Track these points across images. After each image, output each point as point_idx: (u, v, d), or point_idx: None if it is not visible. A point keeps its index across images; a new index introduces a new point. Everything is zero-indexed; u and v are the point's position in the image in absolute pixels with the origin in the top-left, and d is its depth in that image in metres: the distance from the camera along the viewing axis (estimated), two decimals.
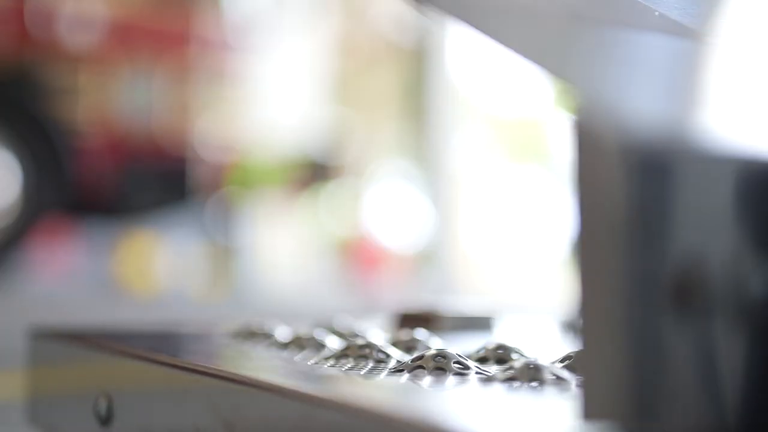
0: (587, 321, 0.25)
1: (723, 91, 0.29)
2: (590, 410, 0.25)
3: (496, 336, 0.56)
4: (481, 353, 0.41)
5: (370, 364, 0.40)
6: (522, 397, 0.33)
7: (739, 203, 0.26)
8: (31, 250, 3.03)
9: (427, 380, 0.37)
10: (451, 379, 0.37)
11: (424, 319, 0.57)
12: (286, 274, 3.91)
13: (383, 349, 0.41)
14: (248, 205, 3.69)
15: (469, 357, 0.40)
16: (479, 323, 0.59)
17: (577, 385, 0.34)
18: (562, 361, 0.38)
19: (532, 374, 0.35)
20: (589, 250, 0.24)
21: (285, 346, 0.47)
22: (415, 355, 0.39)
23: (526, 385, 0.35)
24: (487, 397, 0.34)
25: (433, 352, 0.38)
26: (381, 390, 0.36)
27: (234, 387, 0.36)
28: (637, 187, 0.24)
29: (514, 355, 0.41)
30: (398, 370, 0.38)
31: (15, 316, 1.68)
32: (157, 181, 3.12)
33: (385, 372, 0.38)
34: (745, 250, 0.26)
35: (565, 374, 0.35)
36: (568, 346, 0.48)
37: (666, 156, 0.25)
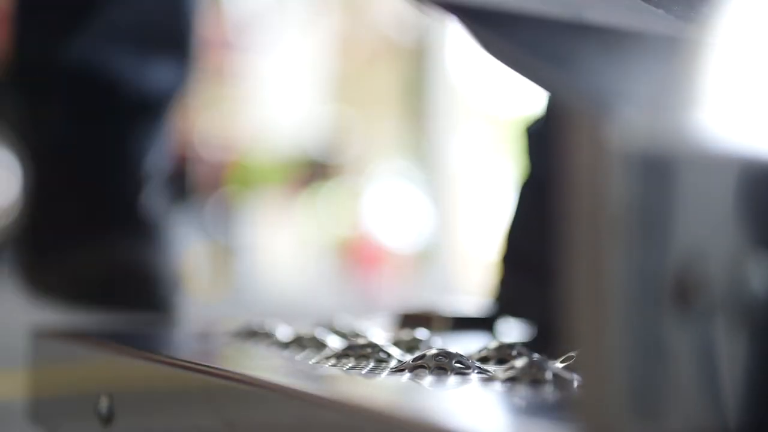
0: (587, 321, 0.25)
1: (723, 91, 0.29)
2: (590, 410, 0.25)
3: (497, 336, 0.56)
4: (483, 353, 0.41)
5: (372, 364, 0.40)
6: (522, 397, 0.33)
7: (739, 203, 0.26)
8: None
9: (428, 380, 0.37)
10: (452, 379, 0.37)
11: (425, 319, 0.57)
12: (286, 274, 3.90)
13: (384, 349, 0.41)
14: (248, 204, 3.69)
15: (470, 357, 0.41)
16: (479, 323, 0.59)
17: (578, 385, 0.34)
18: (562, 361, 0.38)
19: (533, 374, 0.35)
20: (589, 250, 0.24)
21: (286, 345, 0.47)
22: (417, 354, 0.39)
23: (526, 384, 0.35)
24: (487, 397, 0.34)
25: (434, 351, 0.38)
26: (382, 390, 0.36)
27: (235, 386, 0.36)
28: (638, 187, 0.24)
29: (515, 355, 0.41)
30: (399, 369, 0.38)
31: (16, 316, 1.68)
32: None
33: (387, 371, 0.38)
34: (745, 250, 0.26)
35: (566, 374, 0.35)
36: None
37: (666, 156, 0.25)
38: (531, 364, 0.35)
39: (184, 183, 3.27)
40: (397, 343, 0.45)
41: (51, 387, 0.54)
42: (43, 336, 0.55)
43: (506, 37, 0.29)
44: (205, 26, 0.93)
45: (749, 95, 0.30)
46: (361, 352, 0.41)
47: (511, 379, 0.35)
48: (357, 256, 4.07)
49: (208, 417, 0.37)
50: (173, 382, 0.41)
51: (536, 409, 0.32)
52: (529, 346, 0.41)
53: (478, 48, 0.28)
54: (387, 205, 4.09)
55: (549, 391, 0.34)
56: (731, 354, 0.26)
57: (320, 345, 0.46)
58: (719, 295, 0.25)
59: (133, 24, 0.83)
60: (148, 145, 0.85)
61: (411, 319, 0.58)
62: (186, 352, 0.50)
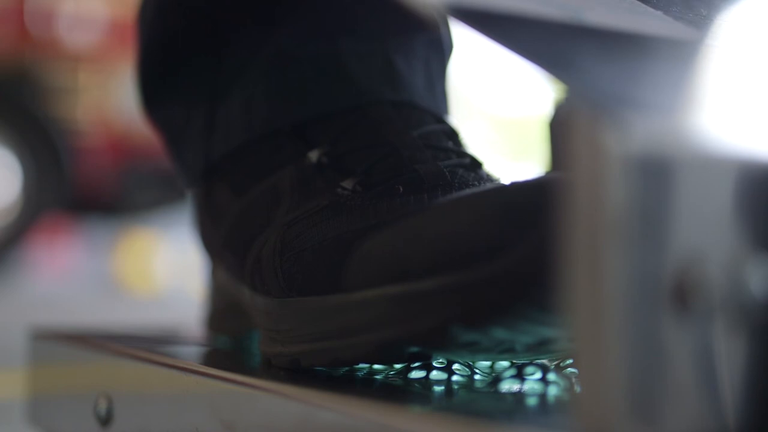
0: (586, 322, 0.25)
1: (721, 92, 0.29)
2: (589, 412, 0.25)
3: None
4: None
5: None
6: (522, 397, 0.33)
7: (738, 205, 0.26)
8: (31, 249, 3.03)
9: (428, 381, 0.37)
10: (452, 380, 0.37)
11: None
12: None
13: None
14: None
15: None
16: None
17: (576, 387, 0.34)
18: (563, 361, 0.38)
19: (534, 374, 0.35)
20: (588, 251, 0.24)
21: None
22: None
23: (527, 385, 0.35)
24: (487, 397, 0.34)
25: None
26: (381, 391, 0.36)
27: (234, 388, 0.36)
28: (637, 189, 0.24)
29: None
30: (399, 371, 0.38)
31: (15, 316, 1.68)
32: (157, 180, 3.12)
33: (386, 373, 0.38)
34: (743, 252, 0.26)
35: (566, 375, 0.35)
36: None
37: (665, 158, 0.25)
38: (532, 364, 0.35)
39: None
40: None
41: (49, 388, 0.54)
42: (42, 336, 0.54)
43: (505, 40, 0.29)
44: None
45: (748, 97, 0.30)
46: None
47: (512, 379, 0.35)
48: None
49: (207, 419, 0.37)
50: (172, 383, 0.41)
51: (535, 410, 0.32)
52: None
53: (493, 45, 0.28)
54: None
55: (549, 392, 0.34)
56: (730, 355, 0.26)
57: None
58: (718, 297, 0.25)
59: None
60: None
61: None
62: (185, 353, 0.50)
